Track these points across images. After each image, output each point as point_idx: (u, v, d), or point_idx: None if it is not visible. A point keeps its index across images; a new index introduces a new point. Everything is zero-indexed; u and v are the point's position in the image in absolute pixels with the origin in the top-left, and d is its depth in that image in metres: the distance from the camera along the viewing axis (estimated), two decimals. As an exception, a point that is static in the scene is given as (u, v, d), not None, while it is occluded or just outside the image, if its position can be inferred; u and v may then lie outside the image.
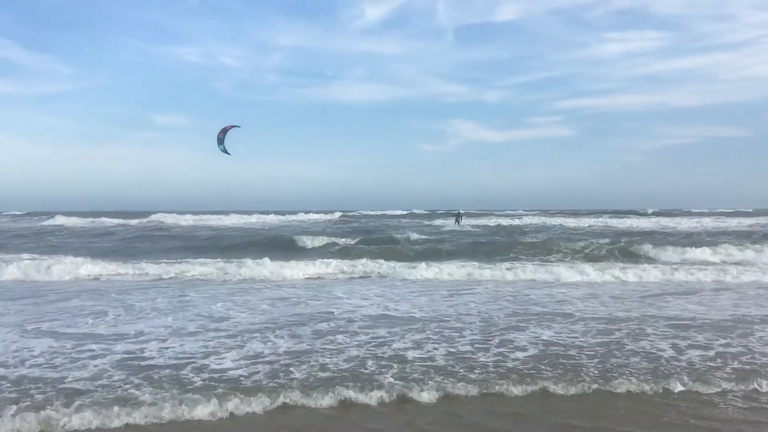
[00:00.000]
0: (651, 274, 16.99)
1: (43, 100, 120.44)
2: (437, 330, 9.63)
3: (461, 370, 7.31)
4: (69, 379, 6.88)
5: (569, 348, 8.46)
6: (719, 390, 6.76)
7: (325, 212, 66.80)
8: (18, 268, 17.34)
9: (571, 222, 46.78)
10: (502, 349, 8.34)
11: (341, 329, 9.68)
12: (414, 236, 29.36)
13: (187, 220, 49.78)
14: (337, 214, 60.74)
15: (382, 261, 19.49)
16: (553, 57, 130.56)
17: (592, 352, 8.19)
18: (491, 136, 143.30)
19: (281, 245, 26.90)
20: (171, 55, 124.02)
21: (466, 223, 46.24)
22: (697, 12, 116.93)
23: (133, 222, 46.95)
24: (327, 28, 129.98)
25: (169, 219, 50.18)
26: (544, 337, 9.10)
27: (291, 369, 7.31)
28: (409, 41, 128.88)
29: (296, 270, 17.35)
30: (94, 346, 8.49)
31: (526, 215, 60.86)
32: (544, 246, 24.84)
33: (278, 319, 10.54)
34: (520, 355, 8.09)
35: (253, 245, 27.21)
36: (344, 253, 23.70)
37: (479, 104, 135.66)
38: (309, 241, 27.16)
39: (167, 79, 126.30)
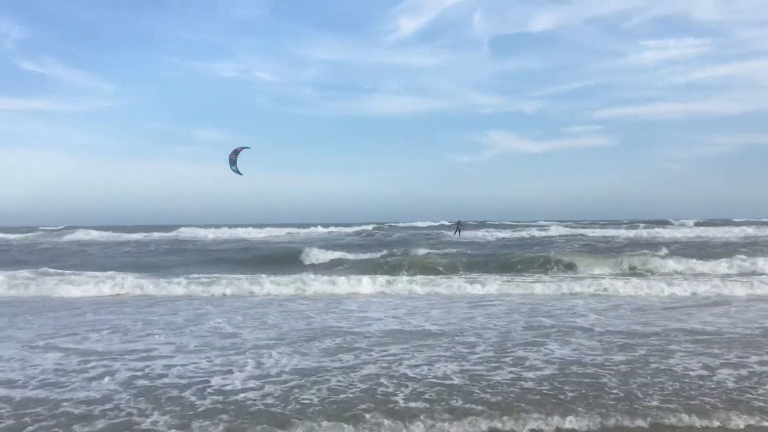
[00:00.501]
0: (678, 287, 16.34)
1: (86, 117, 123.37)
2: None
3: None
4: (69, 403, 6.67)
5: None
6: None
7: (359, 224, 66.58)
8: (38, 284, 17.35)
9: (609, 232, 45.53)
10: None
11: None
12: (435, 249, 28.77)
13: (223, 233, 51.02)
14: (370, 227, 60.26)
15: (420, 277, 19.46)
16: (590, 66, 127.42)
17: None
18: (528, 147, 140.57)
19: (291, 259, 26.88)
20: (209, 71, 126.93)
21: (469, 233, 45.50)
22: (737, 18, 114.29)
23: (171, 234, 48.46)
24: (362, 42, 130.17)
25: (203, 232, 51.12)
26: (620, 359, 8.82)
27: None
28: (444, 53, 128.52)
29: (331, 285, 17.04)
30: (105, 363, 8.39)
31: (561, 226, 59.35)
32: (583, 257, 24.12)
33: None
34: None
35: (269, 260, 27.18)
36: (354, 268, 23.51)
37: (515, 115, 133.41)
38: (321, 255, 27.19)
39: (206, 95, 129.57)
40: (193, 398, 6.76)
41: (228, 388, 7.17)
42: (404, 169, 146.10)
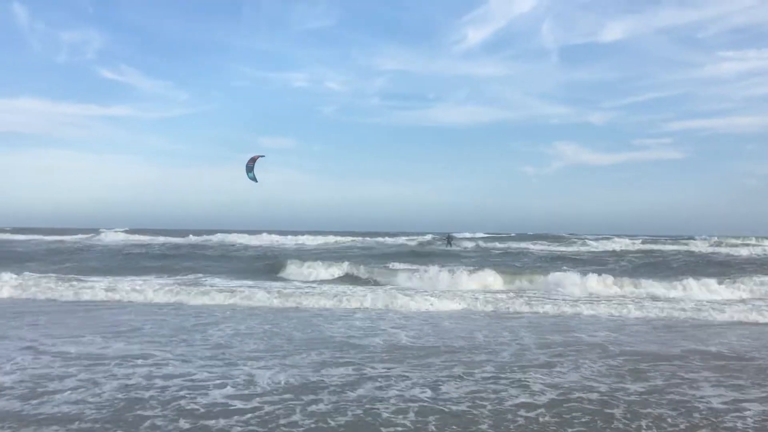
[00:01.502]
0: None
1: (160, 124, 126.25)
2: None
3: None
4: (45, 414, 6.31)
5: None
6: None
7: (419, 234, 65.74)
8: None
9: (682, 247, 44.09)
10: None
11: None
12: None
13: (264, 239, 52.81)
14: (428, 236, 59.18)
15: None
16: (663, 77, 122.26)
17: None
18: (596, 159, 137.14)
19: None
20: (279, 80, 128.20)
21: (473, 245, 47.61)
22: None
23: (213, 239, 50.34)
24: (429, 52, 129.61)
25: (243, 239, 52.66)
26: None
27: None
28: (511, 63, 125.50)
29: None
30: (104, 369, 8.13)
31: (634, 239, 57.46)
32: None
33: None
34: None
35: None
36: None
37: (584, 126, 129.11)
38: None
39: (275, 104, 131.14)
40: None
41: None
42: (468, 179, 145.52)
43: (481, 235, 74.06)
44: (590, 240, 55.92)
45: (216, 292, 16.86)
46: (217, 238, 53.86)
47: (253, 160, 17.27)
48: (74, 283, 18.78)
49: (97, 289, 17.40)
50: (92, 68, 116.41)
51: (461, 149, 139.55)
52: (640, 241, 53.91)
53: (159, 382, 7.57)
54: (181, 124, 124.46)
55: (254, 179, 17.31)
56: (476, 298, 16.67)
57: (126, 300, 16.25)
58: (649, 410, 6.83)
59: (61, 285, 18.18)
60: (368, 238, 56.79)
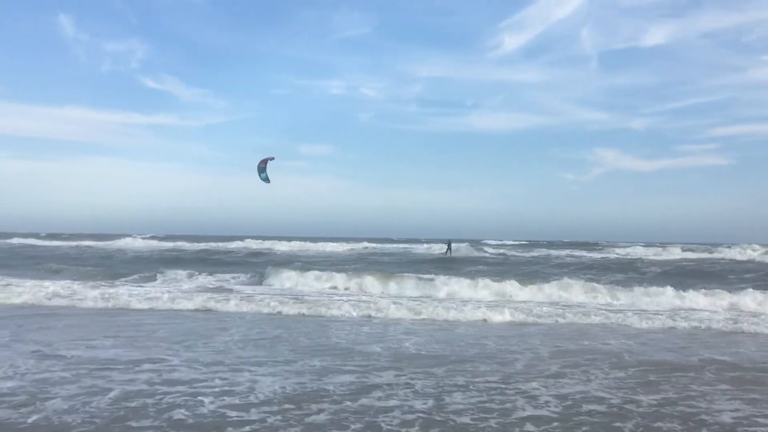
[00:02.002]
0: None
1: (200, 132, 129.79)
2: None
3: None
4: (29, 424, 6.14)
5: None
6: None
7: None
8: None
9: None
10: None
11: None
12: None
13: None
14: (464, 244, 56.92)
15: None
16: (705, 82, 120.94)
17: None
18: (637, 165, 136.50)
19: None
20: (317, 88, 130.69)
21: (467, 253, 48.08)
22: None
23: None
24: (466, 58, 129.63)
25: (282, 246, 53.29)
26: None
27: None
28: (550, 69, 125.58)
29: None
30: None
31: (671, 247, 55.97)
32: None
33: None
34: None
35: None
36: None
37: (625, 132, 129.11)
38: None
39: (313, 111, 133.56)
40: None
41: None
42: (505, 185, 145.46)
43: (510, 242, 73.29)
44: (623, 247, 54.73)
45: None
46: (241, 243, 55.14)
47: (264, 161, 17.49)
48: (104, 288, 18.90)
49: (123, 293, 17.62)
50: (135, 77, 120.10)
51: (498, 156, 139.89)
52: (679, 248, 52.70)
53: (159, 389, 7.43)
54: (221, 132, 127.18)
55: (266, 179, 17.48)
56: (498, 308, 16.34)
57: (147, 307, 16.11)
58: (659, 424, 6.54)
59: (88, 289, 18.45)
60: (401, 245, 56.28)
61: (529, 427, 6.37)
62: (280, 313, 15.26)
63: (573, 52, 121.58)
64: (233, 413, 6.52)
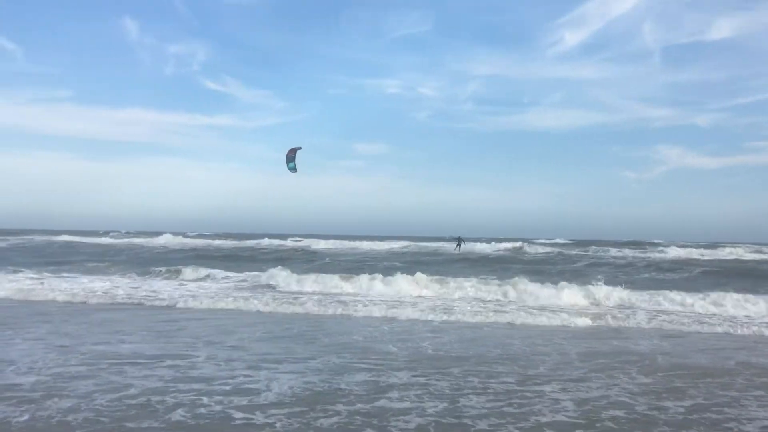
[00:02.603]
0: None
1: (260, 132, 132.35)
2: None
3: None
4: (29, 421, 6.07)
5: None
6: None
7: (509, 240, 61.75)
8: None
9: None
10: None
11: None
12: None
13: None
14: (519, 243, 54.88)
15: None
16: None
17: None
18: (703, 163, 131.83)
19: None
20: (373, 87, 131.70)
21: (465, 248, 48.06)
22: None
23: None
24: (524, 56, 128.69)
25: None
26: None
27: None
28: (610, 65, 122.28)
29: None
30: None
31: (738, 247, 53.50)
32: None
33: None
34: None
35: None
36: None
37: (689, 128, 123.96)
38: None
39: (369, 111, 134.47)
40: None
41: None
42: (566, 184, 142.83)
43: (560, 240, 71.45)
44: (686, 247, 52.37)
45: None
46: (275, 241, 55.73)
47: (293, 151, 17.46)
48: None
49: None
50: (197, 79, 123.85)
51: (556, 154, 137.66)
52: (744, 249, 50.68)
53: (172, 387, 7.37)
54: (279, 132, 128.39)
55: (294, 169, 17.50)
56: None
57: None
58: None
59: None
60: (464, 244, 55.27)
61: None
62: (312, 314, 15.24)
63: (634, 48, 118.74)
64: (239, 414, 6.39)
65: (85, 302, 16.07)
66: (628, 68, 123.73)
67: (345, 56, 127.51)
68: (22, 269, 23.50)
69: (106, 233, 79.89)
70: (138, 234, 79.76)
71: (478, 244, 55.20)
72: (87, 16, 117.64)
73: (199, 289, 19.07)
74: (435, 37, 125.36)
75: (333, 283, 19.91)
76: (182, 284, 20.95)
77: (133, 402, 6.68)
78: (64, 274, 22.99)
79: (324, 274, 21.32)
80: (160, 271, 24.70)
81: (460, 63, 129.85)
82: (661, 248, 52.19)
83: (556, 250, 49.89)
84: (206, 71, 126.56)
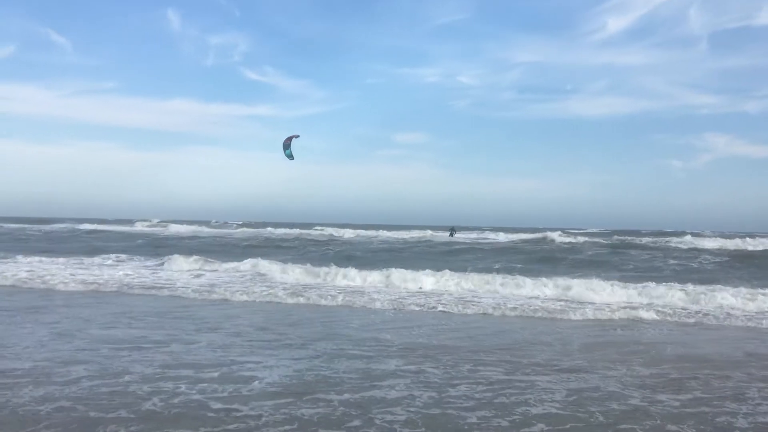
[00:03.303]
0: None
1: (300, 122, 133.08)
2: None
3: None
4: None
5: None
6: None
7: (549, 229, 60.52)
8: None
9: None
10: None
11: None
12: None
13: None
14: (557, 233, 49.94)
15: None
16: None
17: None
18: (753, 151, 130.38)
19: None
20: (412, 76, 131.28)
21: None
22: None
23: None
24: (566, 43, 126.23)
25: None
26: None
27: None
28: (655, 51, 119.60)
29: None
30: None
31: None
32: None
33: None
34: None
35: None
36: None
37: (738, 116, 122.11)
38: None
39: (408, 100, 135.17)
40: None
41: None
42: (608, 173, 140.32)
43: (593, 230, 69.75)
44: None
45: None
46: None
47: (289, 138, 17.66)
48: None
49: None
50: (238, 70, 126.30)
51: (599, 142, 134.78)
52: None
53: (151, 372, 7.30)
54: (319, 122, 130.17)
55: (291, 156, 17.69)
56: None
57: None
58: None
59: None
60: (505, 234, 54.15)
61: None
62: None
63: (680, 33, 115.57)
64: (218, 405, 6.25)
65: (98, 290, 16.12)
66: (673, 54, 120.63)
67: (384, 45, 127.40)
68: (45, 256, 23.99)
69: (131, 222, 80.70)
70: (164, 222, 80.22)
71: (500, 234, 54.70)
72: (131, 8, 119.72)
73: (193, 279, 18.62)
74: (475, 25, 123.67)
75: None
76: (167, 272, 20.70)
77: (114, 390, 6.58)
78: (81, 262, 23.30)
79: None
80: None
81: (501, 51, 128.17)
82: (702, 238, 49.77)
83: (586, 239, 47.78)
84: (247, 61, 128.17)
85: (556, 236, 45.44)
